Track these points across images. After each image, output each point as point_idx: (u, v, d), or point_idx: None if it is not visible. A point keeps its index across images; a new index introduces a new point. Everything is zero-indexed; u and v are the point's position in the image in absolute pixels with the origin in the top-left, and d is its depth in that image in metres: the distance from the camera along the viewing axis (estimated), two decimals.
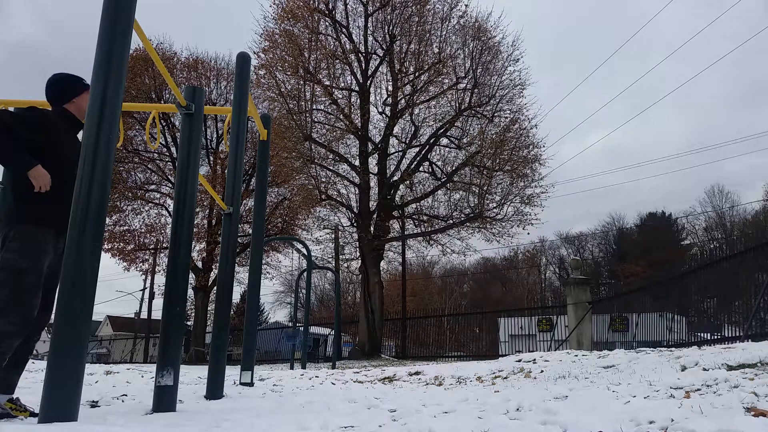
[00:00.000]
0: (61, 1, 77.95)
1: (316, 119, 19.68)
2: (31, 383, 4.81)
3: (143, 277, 32.38)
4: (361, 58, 19.61)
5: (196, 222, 15.86)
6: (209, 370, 4.58)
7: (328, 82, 19.19)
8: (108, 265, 24.90)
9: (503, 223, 19.27)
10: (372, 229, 19.25)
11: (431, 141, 19.78)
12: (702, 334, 11.19)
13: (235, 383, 5.55)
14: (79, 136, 3.15)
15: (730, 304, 10.80)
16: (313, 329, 23.53)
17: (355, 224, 20.07)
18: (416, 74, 19.27)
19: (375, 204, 19.72)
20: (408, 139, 20.09)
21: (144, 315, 36.09)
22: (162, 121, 21.07)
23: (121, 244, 21.97)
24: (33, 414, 2.91)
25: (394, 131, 19.97)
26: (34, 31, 75.90)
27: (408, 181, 19.54)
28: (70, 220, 2.64)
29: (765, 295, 8.84)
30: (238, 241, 17.97)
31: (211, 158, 22.40)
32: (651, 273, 23.32)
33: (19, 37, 71.66)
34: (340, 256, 22.61)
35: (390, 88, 19.76)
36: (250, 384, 5.50)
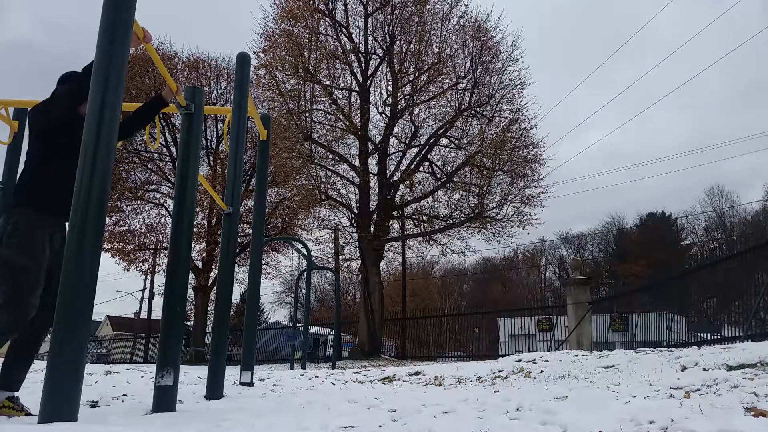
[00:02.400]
0: (60, 1, 77.97)
1: (316, 119, 19.68)
2: (31, 383, 4.81)
3: (143, 277, 32.39)
4: (361, 58, 19.61)
5: (196, 222, 15.85)
6: (209, 370, 4.58)
7: (328, 82, 19.19)
8: (108, 265, 24.92)
9: (503, 223, 19.28)
10: (372, 229, 19.25)
11: (431, 141, 19.78)
12: (702, 334, 11.19)
13: (235, 383, 5.55)
14: None
15: (730, 304, 10.81)
16: (313, 329, 23.53)
17: (355, 224, 20.06)
18: (416, 74, 19.27)
19: (375, 204, 19.72)
20: (408, 139, 20.09)
21: (144, 315, 36.09)
22: (162, 121, 21.06)
23: (121, 244, 21.98)
24: (28, 414, 2.91)
25: (394, 131, 19.98)
26: (32, 31, 75.86)
27: (408, 181, 19.54)
28: (69, 220, 2.64)
29: (765, 295, 8.84)
30: (238, 241, 17.98)
31: (211, 158, 22.41)
32: (651, 273, 23.33)
33: (18, 36, 71.60)
34: (340, 256, 22.61)
35: (390, 88, 19.77)
36: (250, 384, 5.50)
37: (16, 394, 3.00)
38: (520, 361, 6.27)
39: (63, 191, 2.98)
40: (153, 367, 4.05)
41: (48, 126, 3.16)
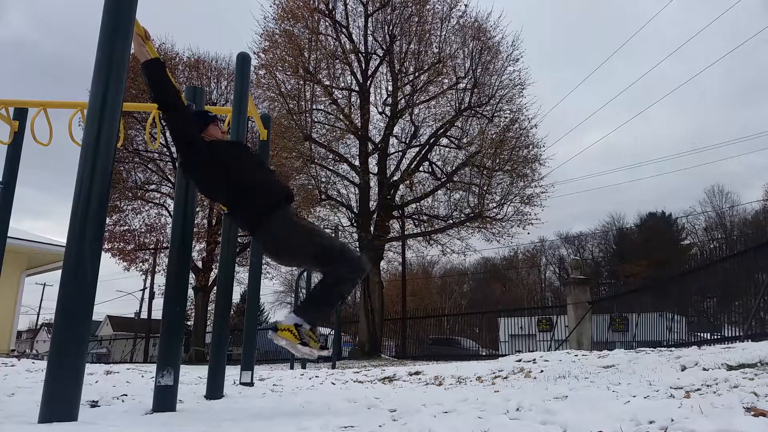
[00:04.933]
0: (59, 0, 77.92)
1: (316, 119, 19.69)
2: (32, 383, 4.82)
3: (143, 277, 32.44)
4: (361, 58, 19.61)
5: (196, 222, 15.83)
6: (209, 370, 4.58)
7: (328, 82, 19.19)
8: (108, 265, 24.97)
9: (503, 223, 19.28)
10: (372, 229, 19.25)
11: (431, 141, 19.78)
12: (702, 334, 11.21)
13: (235, 383, 5.54)
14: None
15: (730, 304, 10.82)
16: None
17: (355, 224, 20.07)
18: (416, 74, 19.28)
19: (375, 204, 19.72)
20: (408, 139, 20.10)
21: (144, 315, 36.11)
22: (162, 120, 21.03)
23: (121, 244, 21.98)
24: (323, 348, 3.11)
25: (394, 131, 19.99)
26: (32, 31, 75.85)
27: (408, 181, 19.54)
28: (69, 220, 2.64)
29: (765, 295, 8.85)
30: (238, 241, 17.95)
31: None
32: (651, 273, 23.34)
33: (13, 35, 71.55)
34: None
35: (390, 88, 19.78)
36: (250, 384, 5.50)
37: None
38: (520, 360, 6.28)
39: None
40: (153, 367, 4.05)
41: None
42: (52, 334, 2.55)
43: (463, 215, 19.49)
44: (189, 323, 25.27)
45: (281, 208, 3.20)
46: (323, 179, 19.74)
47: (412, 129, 19.93)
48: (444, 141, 20.01)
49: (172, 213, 3.96)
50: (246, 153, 3.45)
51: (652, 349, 6.66)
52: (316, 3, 18.91)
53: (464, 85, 19.27)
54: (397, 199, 20.20)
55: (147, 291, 33.22)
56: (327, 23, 19.38)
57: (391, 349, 21.54)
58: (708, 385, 3.21)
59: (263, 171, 3.40)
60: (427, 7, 19.28)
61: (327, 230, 3.35)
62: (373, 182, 19.73)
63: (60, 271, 2.61)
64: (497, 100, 19.37)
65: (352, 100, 19.97)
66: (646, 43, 62.74)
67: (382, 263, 21.79)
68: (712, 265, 10.88)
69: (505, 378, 5.25)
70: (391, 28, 19.24)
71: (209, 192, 3.48)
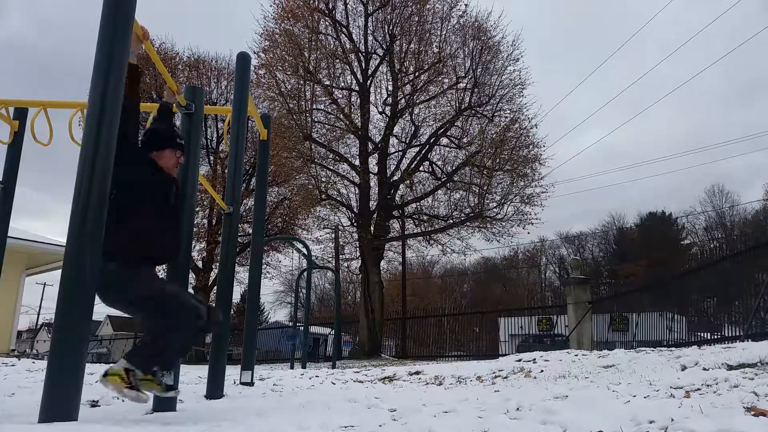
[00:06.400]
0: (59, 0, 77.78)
1: (316, 119, 19.67)
2: (32, 383, 4.82)
3: None
4: (361, 58, 19.61)
5: (196, 222, 15.86)
6: (209, 370, 4.59)
7: (328, 82, 19.18)
8: None
9: (503, 223, 19.26)
10: (372, 228, 19.24)
11: (431, 141, 19.77)
12: (702, 334, 11.20)
13: (235, 383, 5.55)
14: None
15: (730, 304, 10.81)
16: (313, 329, 23.52)
17: (355, 224, 20.06)
18: (416, 74, 19.27)
19: (375, 204, 19.71)
20: (408, 138, 20.10)
21: None
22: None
23: None
24: (170, 388, 3.06)
25: (394, 131, 19.97)
26: (27, 30, 75.64)
27: (408, 181, 19.53)
28: (69, 220, 2.64)
29: (765, 295, 8.84)
30: (238, 241, 17.96)
31: (211, 158, 22.40)
32: (651, 273, 23.34)
33: (13, 35, 71.33)
34: (340, 256, 22.59)
35: (390, 87, 19.77)
36: (251, 384, 5.50)
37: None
38: (520, 360, 6.28)
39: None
40: None
41: None
42: (52, 334, 2.55)
43: (463, 215, 19.49)
44: None
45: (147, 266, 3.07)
46: (323, 179, 19.73)
47: (412, 129, 19.93)
48: (444, 141, 20.00)
49: None
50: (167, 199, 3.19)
51: (652, 348, 6.66)
52: (316, 2, 18.90)
53: (464, 84, 19.26)
54: (397, 198, 20.19)
55: None
56: (327, 23, 19.38)
57: (391, 349, 21.53)
58: (708, 385, 3.21)
59: (169, 226, 3.18)
60: (427, 6, 19.27)
61: (171, 285, 3.05)
62: (373, 182, 19.71)
63: (60, 271, 2.61)
64: (497, 99, 19.35)
65: (352, 99, 19.96)
66: (646, 43, 62.73)
67: (382, 263, 21.77)
68: (712, 265, 10.88)
69: (505, 378, 5.25)
70: (391, 27, 19.24)
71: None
